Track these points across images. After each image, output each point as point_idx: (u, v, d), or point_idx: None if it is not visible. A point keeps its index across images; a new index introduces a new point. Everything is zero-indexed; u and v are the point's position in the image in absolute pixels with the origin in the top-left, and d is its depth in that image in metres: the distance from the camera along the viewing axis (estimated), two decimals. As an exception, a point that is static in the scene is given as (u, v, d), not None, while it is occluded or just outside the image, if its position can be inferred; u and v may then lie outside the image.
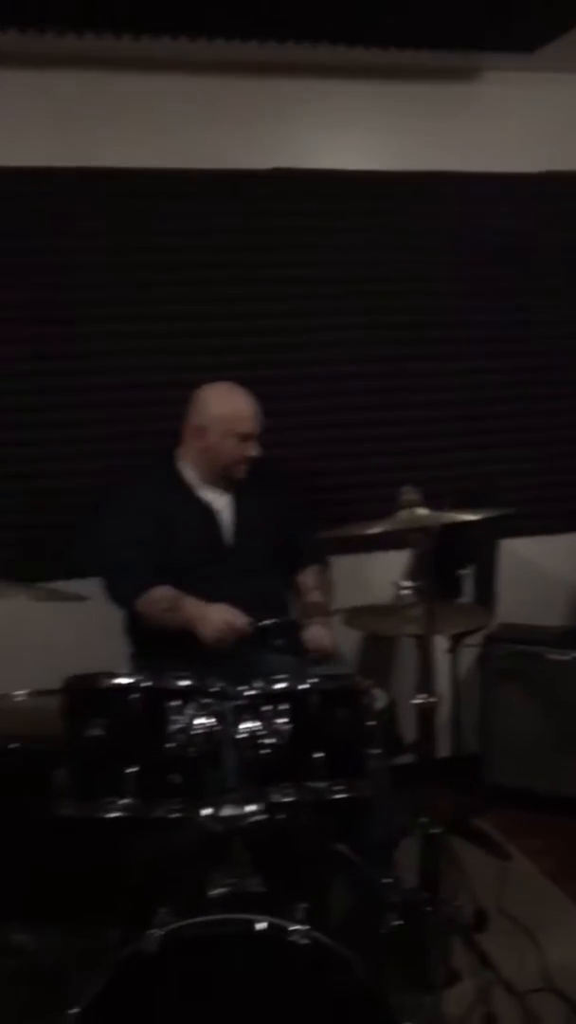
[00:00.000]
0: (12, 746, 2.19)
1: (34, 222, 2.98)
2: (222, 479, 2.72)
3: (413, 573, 2.97)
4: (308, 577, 2.82)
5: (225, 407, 2.70)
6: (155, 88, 3.01)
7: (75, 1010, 1.65)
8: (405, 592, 2.46)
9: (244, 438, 2.68)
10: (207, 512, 2.72)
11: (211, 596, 2.53)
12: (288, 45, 2.89)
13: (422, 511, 2.24)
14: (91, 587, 2.64)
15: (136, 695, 1.88)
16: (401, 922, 2.06)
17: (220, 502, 2.74)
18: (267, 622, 2.50)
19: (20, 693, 2.49)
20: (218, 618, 2.46)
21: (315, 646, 2.59)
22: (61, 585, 2.96)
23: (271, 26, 2.80)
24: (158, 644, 2.56)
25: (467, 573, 3.14)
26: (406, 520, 2.24)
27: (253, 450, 2.69)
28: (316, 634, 2.62)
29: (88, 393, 3.07)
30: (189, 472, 2.74)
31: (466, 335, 3.37)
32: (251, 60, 2.97)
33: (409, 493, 2.24)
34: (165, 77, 3.00)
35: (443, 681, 3.01)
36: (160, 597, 2.53)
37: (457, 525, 2.33)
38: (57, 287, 3.02)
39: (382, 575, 3.06)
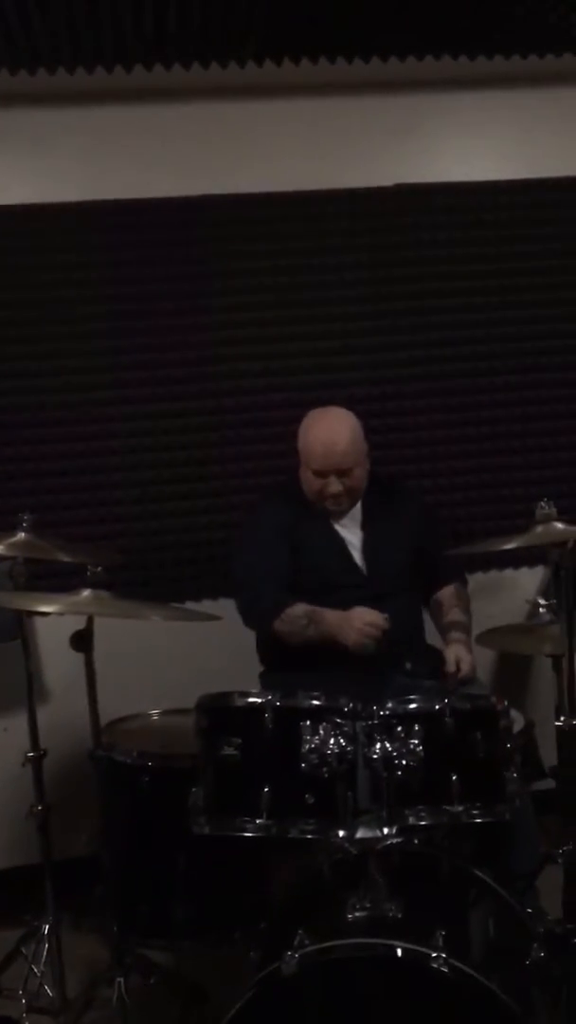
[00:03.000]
0: (148, 764, 2.23)
1: (163, 250, 3.05)
2: (326, 508, 2.67)
3: (550, 590, 2.88)
4: (447, 595, 2.76)
5: (303, 440, 2.65)
6: (273, 112, 3.05)
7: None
8: (542, 610, 2.38)
9: (317, 474, 2.61)
10: (336, 536, 2.69)
11: None
12: (409, 61, 2.89)
13: (559, 525, 2.17)
14: (223, 607, 2.67)
15: (269, 714, 1.88)
16: (545, 954, 1.98)
17: (349, 525, 2.70)
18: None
19: (155, 712, 2.55)
20: (358, 620, 2.44)
21: (457, 668, 2.51)
22: (193, 606, 3.03)
23: (389, 43, 2.82)
24: (289, 662, 2.56)
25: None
26: (542, 535, 2.17)
27: (333, 486, 2.59)
28: (458, 655, 2.54)
29: (226, 414, 3.11)
30: None
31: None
32: (369, 78, 2.98)
33: (545, 507, 2.17)
34: (283, 101, 3.04)
35: (584, 703, 2.89)
36: (297, 614, 2.52)
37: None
38: (192, 311, 3.08)
39: (517, 592, 2.98)
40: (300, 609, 2.52)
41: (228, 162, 3.05)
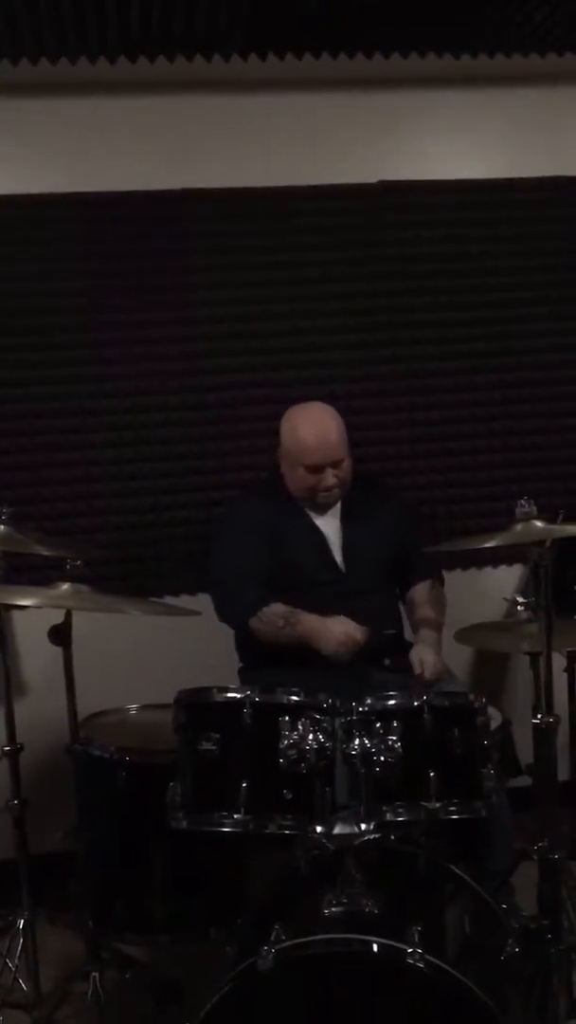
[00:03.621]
0: (126, 759, 2.22)
1: (145, 243, 3.04)
2: (311, 503, 2.68)
3: (528, 588, 2.89)
4: (420, 592, 2.76)
5: (291, 437, 2.64)
6: (257, 107, 3.04)
7: (189, 1025, 1.66)
8: (520, 608, 2.39)
9: (312, 469, 2.61)
10: (316, 533, 2.69)
11: (325, 615, 2.50)
12: (394, 58, 2.89)
13: (537, 524, 2.18)
14: (202, 603, 2.66)
15: (247, 710, 1.88)
16: (519, 949, 1.99)
17: (329, 521, 2.71)
18: (389, 631, 2.45)
19: (133, 707, 2.54)
20: (338, 631, 2.44)
21: (422, 669, 2.49)
22: (172, 600, 3.02)
23: (375, 40, 2.82)
24: (268, 659, 2.56)
25: (585, 588, 3.04)
26: (522, 534, 2.18)
27: (329, 479, 2.61)
28: (421, 656, 2.52)
29: (207, 409, 3.09)
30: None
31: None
32: (354, 75, 2.97)
33: (525, 506, 2.18)
34: (267, 96, 3.03)
35: (560, 700, 2.90)
36: (275, 614, 2.52)
37: (574, 538, 2.24)
38: (174, 305, 3.06)
39: (496, 590, 2.99)
40: (279, 609, 2.51)
41: (211, 156, 3.03)
